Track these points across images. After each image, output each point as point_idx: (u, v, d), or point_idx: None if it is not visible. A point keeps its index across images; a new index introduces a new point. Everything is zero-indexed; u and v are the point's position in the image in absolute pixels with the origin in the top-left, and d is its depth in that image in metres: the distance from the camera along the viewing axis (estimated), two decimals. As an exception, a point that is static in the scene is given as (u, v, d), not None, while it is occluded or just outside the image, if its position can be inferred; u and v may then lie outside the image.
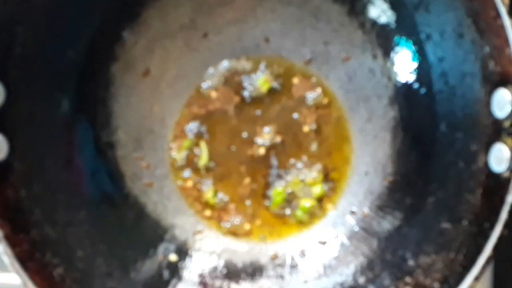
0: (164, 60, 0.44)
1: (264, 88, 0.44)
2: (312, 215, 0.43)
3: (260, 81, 0.44)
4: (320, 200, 0.44)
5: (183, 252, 0.42)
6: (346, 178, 0.44)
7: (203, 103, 0.45)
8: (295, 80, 0.45)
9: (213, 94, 0.45)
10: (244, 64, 0.45)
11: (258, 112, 0.44)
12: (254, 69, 0.45)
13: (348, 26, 0.44)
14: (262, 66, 0.45)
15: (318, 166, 0.44)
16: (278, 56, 0.45)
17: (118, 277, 0.39)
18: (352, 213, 0.43)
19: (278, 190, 0.43)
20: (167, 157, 0.44)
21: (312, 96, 0.44)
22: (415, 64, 0.42)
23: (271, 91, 0.45)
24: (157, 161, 0.44)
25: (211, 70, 0.45)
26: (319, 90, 0.44)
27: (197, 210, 0.44)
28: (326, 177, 0.44)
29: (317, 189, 0.43)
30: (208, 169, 0.44)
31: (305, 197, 0.44)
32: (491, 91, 0.35)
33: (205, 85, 0.45)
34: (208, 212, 0.44)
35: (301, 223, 0.43)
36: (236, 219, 0.44)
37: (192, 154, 0.44)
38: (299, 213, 0.43)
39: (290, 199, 0.44)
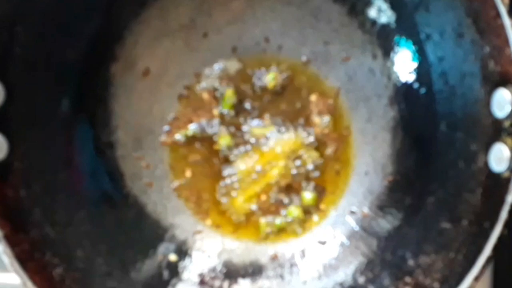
0: (164, 60, 0.44)
1: (270, 86, 0.44)
2: (306, 221, 0.43)
3: (262, 81, 0.44)
4: (308, 209, 0.44)
5: (183, 252, 0.42)
6: (346, 178, 0.44)
7: (202, 103, 0.45)
8: (313, 97, 0.44)
9: (213, 94, 0.45)
10: (245, 64, 0.45)
11: (258, 111, 0.45)
12: (255, 69, 0.45)
13: (348, 26, 0.44)
14: (263, 66, 0.45)
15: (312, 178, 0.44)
16: (278, 56, 0.45)
17: (118, 277, 0.39)
18: (352, 213, 0.43)
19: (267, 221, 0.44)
20: (167, 157, 0.44)
21: (326, 120, 0.44)
22: (415, 64, 0.42)
23: (274, 92, 0.44)
24: (157, 161, 0.44)
25: (211, 69, 0.45)
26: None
27: (195, 212, 0.44)
28: (318, 190, 0.44)
29: (308, 195, 0.43)
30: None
31: (294, 205, 0.44)
32: (491, 91, 0.35)
33: (204, 85, 0.45)
34: (208, 222, 0.44)
35: (294, 233, 0.44)
36: (236, 220, 0.44)
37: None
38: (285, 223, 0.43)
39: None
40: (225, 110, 0.44)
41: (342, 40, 0.44)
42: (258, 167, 0.44)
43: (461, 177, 0.37)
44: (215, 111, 0.44)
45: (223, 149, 0.44)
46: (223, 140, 0.44)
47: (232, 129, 0.44)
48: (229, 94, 0.44)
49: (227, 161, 0.44)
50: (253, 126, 0.44)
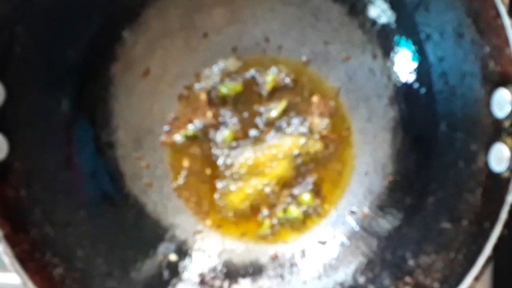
0: (164, 60, 0.44)
1: (269, 87, 0.44)
2: (306, 221, 0.44)
3: (262, 81, 0.44)
4: (308, 209, 0.44)
5: (183, 252, 0.42)
6: (347, 178, 0.44)
7: (202, 103, 0.45)
8: (315, 99, 0.44)
9: (211, 95, 0.45)
10: (245, 64, 0.45)
11: (261, 107, 0.45)
12: (255, 69, 0.45)
13: (348, 26, 0.44)
14: (263, 66, 0.45)
15: (311, 178, 0.44)
16: (278, 56, 0.45)
17: (118, 277, 0.39)
18: (352, 213, 0.43)
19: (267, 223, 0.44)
20: (167, 157, 0.44)
21: (325, 123, 0.44)
22: (415, 64, 0.42)
23: (275, 92, 0.44)
24: (157, 161, 0.44)
25: (211, 69, 0.45)
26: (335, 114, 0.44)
27: (195, 212, 0.44)
28: (317, 191, 0.44)
29: (306, 197, 0.43)
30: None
31: (294, 205, 0.44)
32: (491, 91, 0.35)
33: (204, 84, 0.45)
34: (208, 222, 0.44)
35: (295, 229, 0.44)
36: (235, 219, 0.44)
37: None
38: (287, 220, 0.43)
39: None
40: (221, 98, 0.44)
41: (342, 40, 0.44)
42: (258, 166, 0.44)
43: (461, 177, 0.37)
44: (210, 114, 0.44)
45: (223, 144, 0.44)
46: (224, 134, 0.44)
47: (244, 115, 0.44)
48: (238, 88, 0.44)
49: (227, 158, 0.44)
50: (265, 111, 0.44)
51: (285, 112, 0.44)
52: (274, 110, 0.44)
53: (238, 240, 0.43)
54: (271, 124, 0.44)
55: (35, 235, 0.36)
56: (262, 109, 0.44)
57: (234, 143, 0.44)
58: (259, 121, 0.44)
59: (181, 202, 0.44)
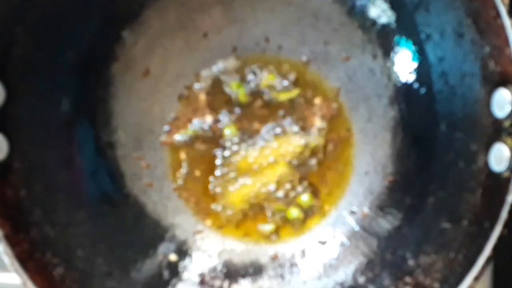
0: (164, 60, 0.44)
1: (265, 85, 0.44)
2: (306, 221, 0.44)
3: (263, 80, 0.44)
4: (308, 209, 0.44)
5: (183, 251, 0.42)
6: (346, 178, 0.44)
7: (202, 103, 0.45)
8: (317, 100, 0.44)
9: (212, 94, 0.45)
10: (245, 64, 0.45)
11: (262, 109, 0.45)
12: (255, 69, 0.45)
13: (348, 26, 0.44)
14: (263, 66, 0.45)
15: (311, 179, 0.44)
16: (278, 56, 0.45)
17: (118, 277, 0.39)
18: (352, 213, 0.43)
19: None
20: (167, 157, 0.44)
21: (323, 125, 0.44)
22: (415, 64, 0.42)
23: (272, 89, 0.45)
24: (157, 161, 0.44)
25: (211, 69, 0.45)
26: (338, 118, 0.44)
27: (195, 212, 0.44)
28: (317, 191, 0.44)
29: (304, 198, 0.43)
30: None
31: (293, 206, 0.44)
32: (491, 91, 0.35)
33: (204, 84, 0.45)
34: (208, 222, 0.44)
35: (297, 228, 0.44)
36: (235, 219, 0.44)
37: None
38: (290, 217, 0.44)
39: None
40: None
41: (342, 40, 0.44)
42: (258, 166, 0.44)
43: (461, 177, 0.37)
44: (210, 114, 0.44)
45: (227, 141, 0.44)
46: (229, 130, 0.44)
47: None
48: (242, 89, 0.44)
49: (227, 158, 0.44)
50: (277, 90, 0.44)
51: (286, 112, 0.44)
52: (285, 93, 0.44)
53: (238, 240, 0.43)
54: (272, 114, 0.44)
55: (35, 235, 0.36)
56: (270, 95, 0.44)
57: (234, 143, 0.44)
58: (261, 119, 0.44)
59: (181, 202, 0.44)
